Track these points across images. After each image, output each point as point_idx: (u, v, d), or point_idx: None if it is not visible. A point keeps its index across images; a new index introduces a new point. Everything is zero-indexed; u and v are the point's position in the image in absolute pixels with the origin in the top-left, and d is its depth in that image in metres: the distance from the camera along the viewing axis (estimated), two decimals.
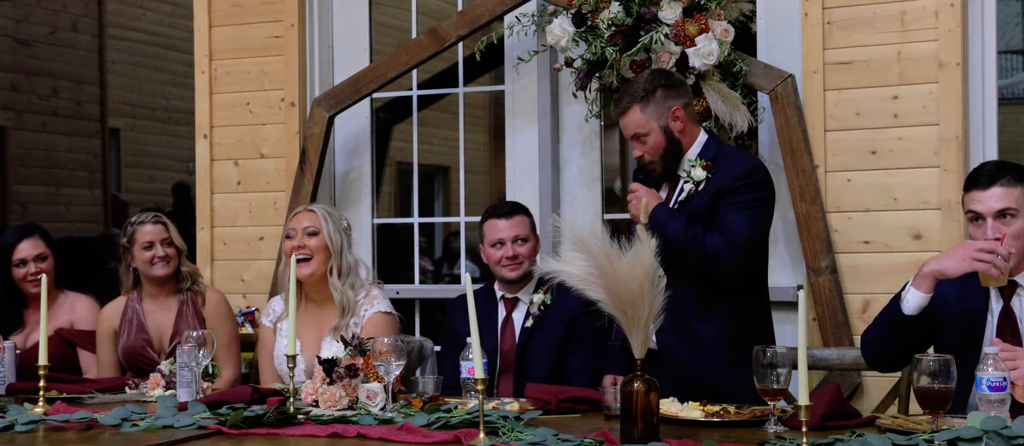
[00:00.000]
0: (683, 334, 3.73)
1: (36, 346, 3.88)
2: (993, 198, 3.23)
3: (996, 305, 3.29)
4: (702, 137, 3.85)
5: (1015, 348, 3.12)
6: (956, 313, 3.32)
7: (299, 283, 4.07)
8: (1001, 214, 3.22)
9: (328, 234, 4.15)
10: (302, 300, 4.18)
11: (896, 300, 3.30)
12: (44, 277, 3.69)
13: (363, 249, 5.26)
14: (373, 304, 4.12)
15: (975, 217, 3.27)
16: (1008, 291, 3.28)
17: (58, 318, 4.59)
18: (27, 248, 4.59)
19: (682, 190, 3.78)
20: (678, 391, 3.34)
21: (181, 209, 9.80)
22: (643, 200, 3.76)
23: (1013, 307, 3.27)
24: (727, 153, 3.84)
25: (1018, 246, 3.21)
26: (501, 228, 4.23)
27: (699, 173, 3.76)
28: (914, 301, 3.24)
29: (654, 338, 3.72)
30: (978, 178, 3.30)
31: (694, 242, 3.66)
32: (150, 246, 4.36)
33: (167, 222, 4.44)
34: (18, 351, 4.23)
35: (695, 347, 3.74)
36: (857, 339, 4.29)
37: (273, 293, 5.12)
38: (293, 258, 3.92)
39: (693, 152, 3.82)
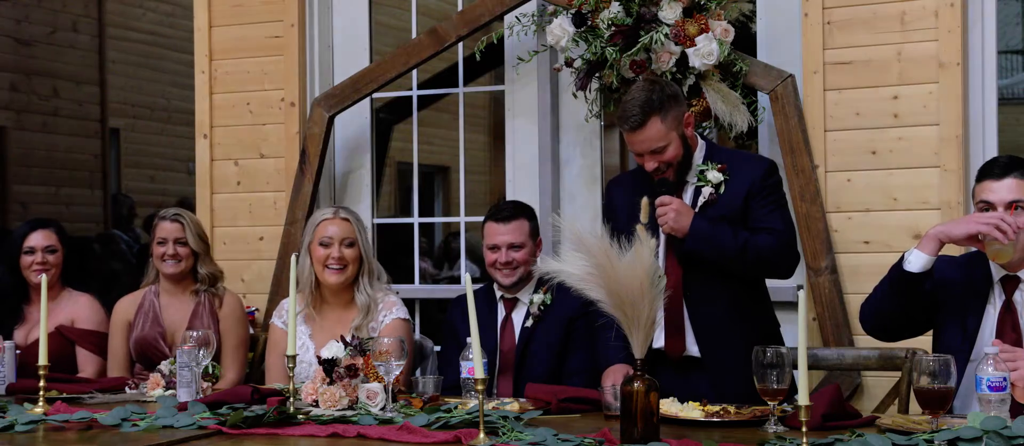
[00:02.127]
0: (724, 339, 3.73)
1: (37, 342, 3.89)
2: (1006, 188, 3.28)
3: (998, 299, 3.31)
4: (701, 141, 3.86)
5: (1015, 349, 3.14)
6: (956, 298, 3.35)
7: (318, 286, 4.19)
8: (1012, 205, 3.26)
9: (363, 244, 4.22)
10: (320, 302, 4.21)
11: (898, 263, 3.35)
12: (44, 277, 3.71)
13: None
14: (392, 310, 4.19)
15: (986, 207, 3.31)
16: (1010, 286, 3.31)
17: (59, 314, 4.61)
18: (38, 238, 4.67)
19: (701, 194, 3.75)
20: (727, 398, 3.35)
21: None
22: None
23: (1015, 301, 3.30)
24: (735, 154, 3.88)
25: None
26: (497, 232, 4.20)
27: (716, 175, 3.75)
28: (918, 261, 3.30)
29: (696, 346, 3.73)
30: (992, 169, 3.35)
31: (748, 247, 3.67)
32: (163, 242, 4.49)
33: (185, 222, 4.52)
34: (19, 351, 4.24)
35: (738, 351, 3.71)
36: (857, 339, 4.30)
37: (276, 292, 5.12)
38: (293, 257, 3.90)
39: (699, 156, 3.82)
